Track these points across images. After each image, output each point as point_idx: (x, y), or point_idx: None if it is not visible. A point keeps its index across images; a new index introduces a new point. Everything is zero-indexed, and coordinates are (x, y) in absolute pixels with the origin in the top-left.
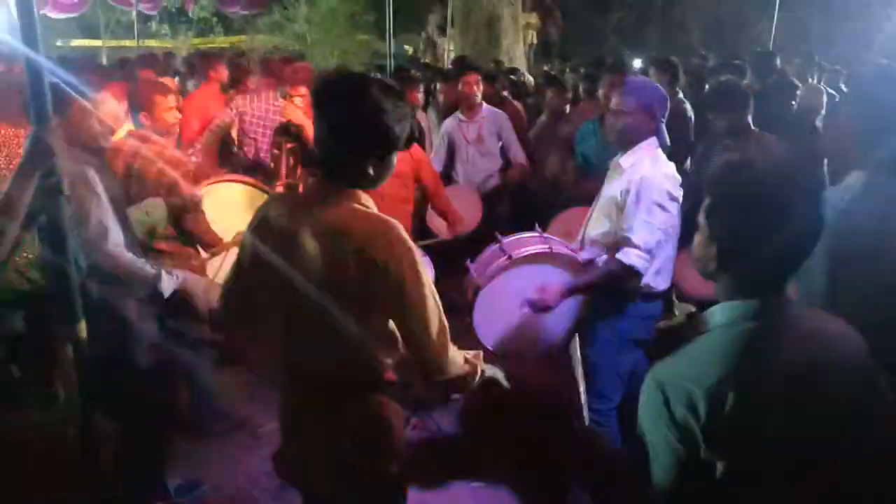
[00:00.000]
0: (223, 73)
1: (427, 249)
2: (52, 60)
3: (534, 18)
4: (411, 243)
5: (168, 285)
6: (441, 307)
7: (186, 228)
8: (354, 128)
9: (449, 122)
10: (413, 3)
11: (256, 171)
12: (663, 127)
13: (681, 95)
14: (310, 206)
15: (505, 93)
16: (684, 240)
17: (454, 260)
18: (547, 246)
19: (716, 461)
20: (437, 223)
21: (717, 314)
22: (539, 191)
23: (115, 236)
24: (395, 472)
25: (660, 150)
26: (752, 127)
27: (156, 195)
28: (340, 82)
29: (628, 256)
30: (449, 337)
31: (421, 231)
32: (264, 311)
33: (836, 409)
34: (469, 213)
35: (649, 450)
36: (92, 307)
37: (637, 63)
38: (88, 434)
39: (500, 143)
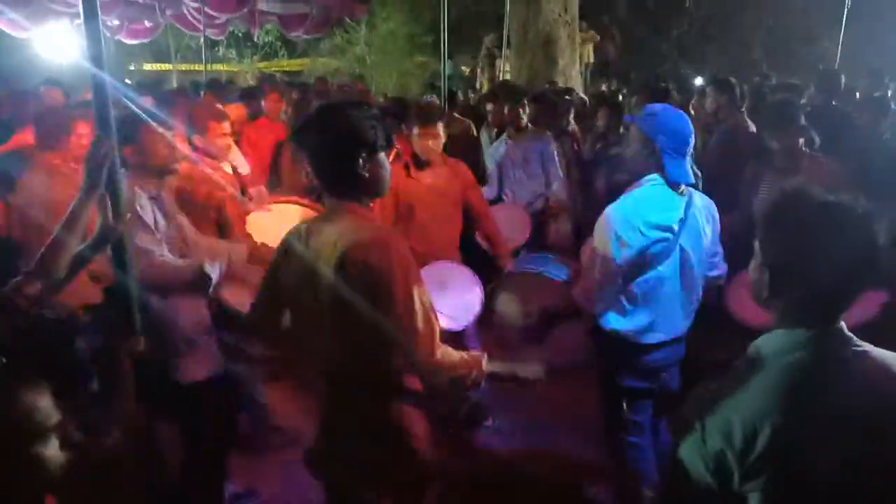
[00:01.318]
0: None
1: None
2: (125, 83)
3: (591, 37)
4: (406, 252)
5: (214, 272)
6: (432, 315)
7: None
8: (333, 135)
9: (497, 146)
10: (471, 24)
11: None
12: (676, 162)
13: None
14: (321, 223)
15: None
16: (739, 266)
17: None
18: (536, 270)
19: (748, 495)
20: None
21: (767, 342)
22: (592, 211)
23: (156, 256)
24: (416, 475)
25: (662, 188)
26: (804, 149)
27: (204, 216)
28: (310, 116)
29: (576, 290)
30: (437, 342)
31: (471, 246)
32: (287, 318)
33: (889, 455)
34: (515, 231)
35: (683, 478)
36: (148, 321)
37: (698, 81)
38: (148, 445)
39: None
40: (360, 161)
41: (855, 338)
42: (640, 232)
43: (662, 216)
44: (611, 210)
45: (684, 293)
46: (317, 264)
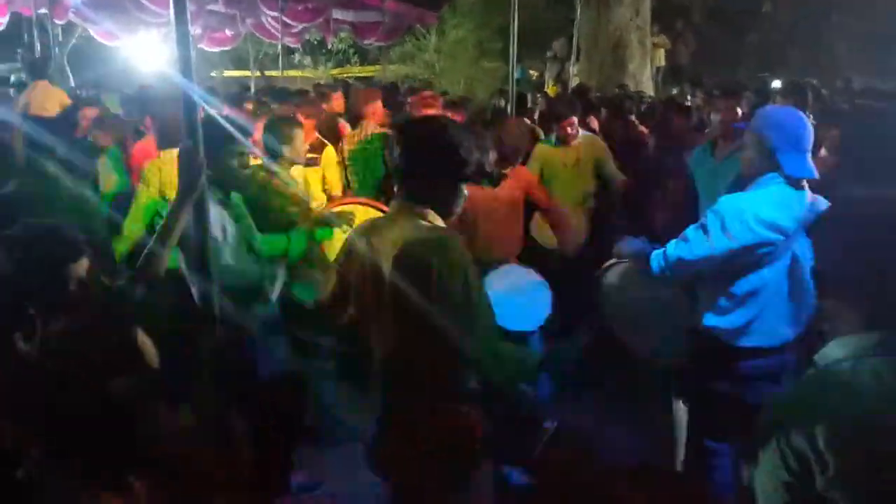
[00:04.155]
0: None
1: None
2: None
3: (663, 40)
4: (466, 252)
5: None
6: (492, 313)
7: None
8: (436, 157)
9: (543, 148)
10: (540, 29)
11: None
12: (793, 158)
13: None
14: (386, 223)
15: (631, 117)
16: None
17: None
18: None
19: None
20: (539, 233)
21: (839, 346)
22: (656, 215)
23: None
24: (475, 473)
25: (782, 186)
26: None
27: (275, 227)
28: (423, 123)
29: (654, 254)
30: (497, 338)
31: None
32: (354, 312)
33: None
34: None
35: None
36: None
37: (776, 83)
38: (223, 434)
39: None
40: (458, 183)
41: None
42: (749, 227)
43: (776, 215)
44: (725, 199)
45: (791, 302)
46: (378, 262)
